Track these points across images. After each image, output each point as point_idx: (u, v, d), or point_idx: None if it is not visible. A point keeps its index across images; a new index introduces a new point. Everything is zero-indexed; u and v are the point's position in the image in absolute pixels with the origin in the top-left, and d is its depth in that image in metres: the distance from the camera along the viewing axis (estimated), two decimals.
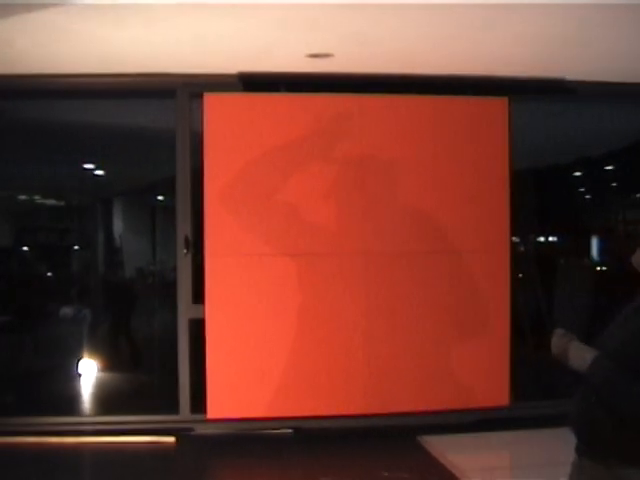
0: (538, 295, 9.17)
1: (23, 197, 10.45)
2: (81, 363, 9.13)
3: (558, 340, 3.43)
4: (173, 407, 7.34)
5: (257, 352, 7.09)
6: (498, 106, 7.46)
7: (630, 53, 6.66)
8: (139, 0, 5.11)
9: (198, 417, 7.22)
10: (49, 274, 10.79)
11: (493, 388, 7.39)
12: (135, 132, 8.58)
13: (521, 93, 7.50)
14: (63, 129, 8.22)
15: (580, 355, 3.31)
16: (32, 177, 9.55)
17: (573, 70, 7.23)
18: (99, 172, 9.96)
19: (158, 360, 9.03)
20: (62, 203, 10.70)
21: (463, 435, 7.13)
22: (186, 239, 7.30)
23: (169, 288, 8.00)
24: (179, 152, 7.32)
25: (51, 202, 10.87)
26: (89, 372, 9.10)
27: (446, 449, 6.68)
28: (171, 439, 7.12)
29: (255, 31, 5.92)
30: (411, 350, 7.27)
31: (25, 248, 10.73)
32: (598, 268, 10.95)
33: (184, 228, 7.33)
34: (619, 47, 6.46)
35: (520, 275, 8.64)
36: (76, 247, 10.87)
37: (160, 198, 10.20)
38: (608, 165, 10.95)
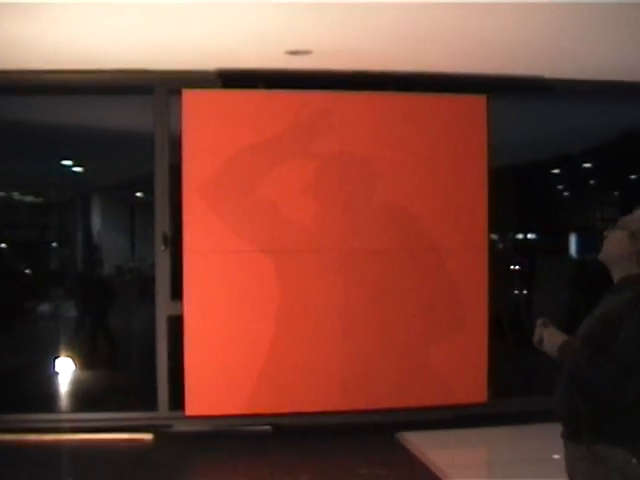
0: (517, 292, 9.20)
1: (1, 194, 10.38)
2: (58, 361, 9.08)
3: (537, 329, 3.54)
4: (151, 404, 7.33)
5: (236, 349, 7.09)
6: (477, 104, 7.48)
7: (607, 51, 6.69)
8: None
9: (176, 414, 7.21)
10: (27, 271, 10.73)
11: (471, 385, 7.41)
12: (114, 128, 8.54)
13: (500, 91, 7.52)
14: (41, 125, 8.17)
15: (552, 340, 3.43)
16: (10, 174, 9.48)
17: (552, 68, 7.26)
18: (77, 169, 9.91)
19: (137, 357, 9.01)
20: (41, 200, 10.64)
21: (441, 432, 7.15)
22: (164, 236, 7.29)
23: (148, 285, 7.97)
24: (157, 149, 7.30)
25: (29, 199, 10.81)
26: (66, 369, 9.06)
27: (424, 446, 6.70)
28: (149, 436, 7.12)
29: (234, 28, 5.92)
30: (389, 347, 7.28)
31: (3, 245, 10.66)
32: (577, 264, 11.01)
33: (162, 225, 7.32)
34: (597, 45, 6.49)
35: (502, 272, 8.67)
36: (54, 244, 10.82)
37: (139, 195, 10.16)
38: (586, 163, 10.99)
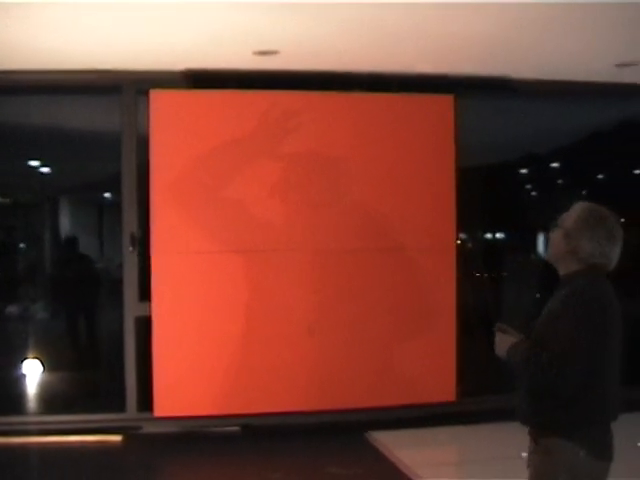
0: (486, 291, 9.24)
1: None
2: (26, 363, 9.01)
3: (495, 334, 3.65)
4: (120, 405, 7.29)
5: (204, 349, 7.07)
6: (444, 103, 7.51)
7: (574, 52, 6.74)
8: None
9: (145, 415, 7.19)
10: None
11: (440, 384, 7.44)
12: (81, 128, 8.49)
13: (467, 91, 7.55)
14: (7, 125, 8.10)
15: (501, 345, 3.56)
16: None
17: (519, 68, 7.30)
18: (45, 169, 9.84)
19: (105, 358, 8.96)
20: (7, 200, 10.55)
21: (411, 430, 7.17)
22: (132, 236, 7.26)
23: (116, 286, 7.93)
24: (125, 149, 7.28)
25: None
26: (34, 371, 8.99)
27: (394, 445, 6.73)
28: (118, 438, 7.09)
29: (202, 28, 5.90)
30: (359, 347, 7.30)
31: None
32: (544, 263, 11.05)
33: (130, 225, 7.30)
34: (563, 46, 6.53)
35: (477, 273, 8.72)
36: (22, 245, 10.73)
37: (107, 195, 10.10)
38: (554, 162, 11.05)
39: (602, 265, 3.50)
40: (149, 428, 7.25)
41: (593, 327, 3.32)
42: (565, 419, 3.38)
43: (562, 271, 3.61)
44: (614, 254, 3.51)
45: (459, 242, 7.83)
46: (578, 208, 3.60)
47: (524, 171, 11.18)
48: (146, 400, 7.13)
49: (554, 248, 3.64)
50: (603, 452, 3.42)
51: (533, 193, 11.69)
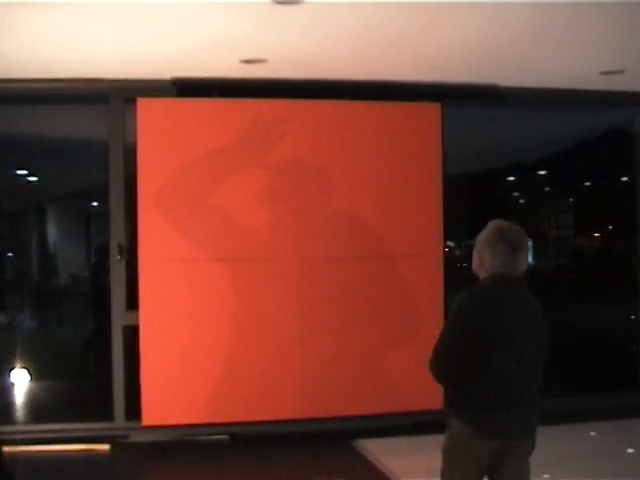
0: None
1: None
2: (13, 372, 9.00)
3: None
4: (108, 414, 7.28)
5: (192, 358, 7.06)
6: (431, 112, 7.53)
7: (561, 60, 6.77)
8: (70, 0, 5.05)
9: (133, 424, 7.17)
10: None
11: (427, 392, 7.38)
12: (69, 137, 8.50)
13: (454, 99, 7.57)
14: None
15: None
16: None
17: (506, 76, 7.32)
18: (32, 178, 9.84)
19: (93, 367, 8.95)
20: None
21: (398, 438, 7.17)
22: (120, 245, 7.25)
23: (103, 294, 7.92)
24: (112, 158, 7.27)
25: None
26: (21, 380, 8.98)
27: (381, 453, 6.73)
28: (106, 447, 7.07)
29: (189, 36, 5.90)
30: (345, 354, 7.30)
31: None
32: (531, 270, 11.10)
33: (118, 234, 7.28)
34: (550, 54, 6.56)
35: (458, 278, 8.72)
36: (9, 254, 10.73)
37: (94, 204, 10.10)
38: (541, 170, 11.11)
39: (505, 273, 4.00)
40: (137, 437, 7.23)
41: (461, 323, 3.92)
42: (457, 403, 4.02)
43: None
44: (518, 263, 4.01)
45: (446, 250, 7.84)
46: (487, 226, 4.11)
47: (511, 179, 11.24)
48: (134, 409, 7.12)
49: (472, 261, 4.15)
50: (489, 433, 3.91)
51: (521, 200, 11.75)
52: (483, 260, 4.04)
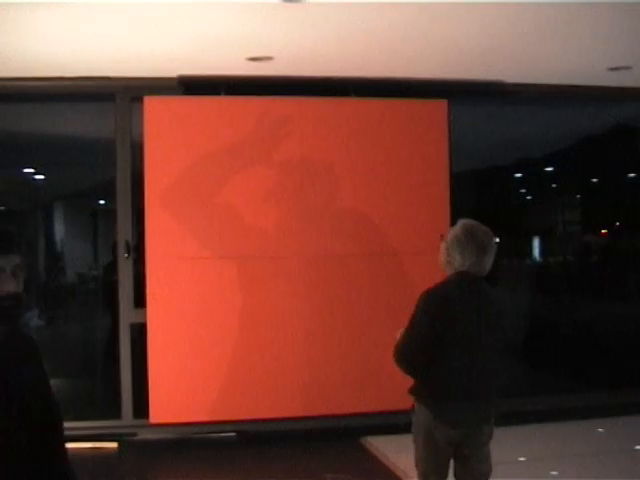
0: None
1: None
2: None
3: None
4: (115, 412, 7.29)
5: (199, 356, 7.07)
6: (438, 108, 7.52)
7: (567, 56, 6.76)
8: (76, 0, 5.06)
9: (141, 422, 7.18)
10: None
11: None
12: (76, 136, 8.49)
13: (461, 95, 7.56)
14: (1, 133, 8.10)
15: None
16: None
17: (512, 73, 7.31)
18: (39, 176, 9.84)
19: (101, 365, 8.95)
20: (2, 208, 10.55)
21: (406, 436, 7.14)
22: (127, 243, 7.26)
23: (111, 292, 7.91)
24: (119, 156, 7.28)
25: None
26: None
27: (389, 450, 6.72)
28: (114, 444, 7.08)
29: (195, 34, 5.91)
30: (352, 352, 7.29)
31: None
32: (539, 267, 11.11)
33: (125, 232, 7.30)
34: (556, 50, 6.56)
35: None
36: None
37: (102, 202, 10.10)
38: (548, 166, 11.07)
39: (471, 272, 4.22)
40: (144, 435, 7.25)
41: (425, 318, 4.22)
42: (422, 391, 4.28)
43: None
44: (484, 263, 4.23)
45: None
46: (457, 225, 4.33)
47: (518, 175, 11.21)
48: (141, 407, 7.12)
49: (440, 258, 4.38)
50: (451, 421, 4.16)
51: (527, 197, 11.72)
52: (452, 259, 4.26)
